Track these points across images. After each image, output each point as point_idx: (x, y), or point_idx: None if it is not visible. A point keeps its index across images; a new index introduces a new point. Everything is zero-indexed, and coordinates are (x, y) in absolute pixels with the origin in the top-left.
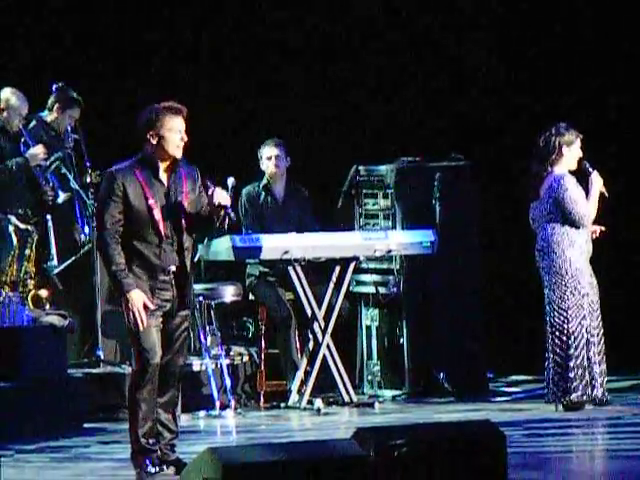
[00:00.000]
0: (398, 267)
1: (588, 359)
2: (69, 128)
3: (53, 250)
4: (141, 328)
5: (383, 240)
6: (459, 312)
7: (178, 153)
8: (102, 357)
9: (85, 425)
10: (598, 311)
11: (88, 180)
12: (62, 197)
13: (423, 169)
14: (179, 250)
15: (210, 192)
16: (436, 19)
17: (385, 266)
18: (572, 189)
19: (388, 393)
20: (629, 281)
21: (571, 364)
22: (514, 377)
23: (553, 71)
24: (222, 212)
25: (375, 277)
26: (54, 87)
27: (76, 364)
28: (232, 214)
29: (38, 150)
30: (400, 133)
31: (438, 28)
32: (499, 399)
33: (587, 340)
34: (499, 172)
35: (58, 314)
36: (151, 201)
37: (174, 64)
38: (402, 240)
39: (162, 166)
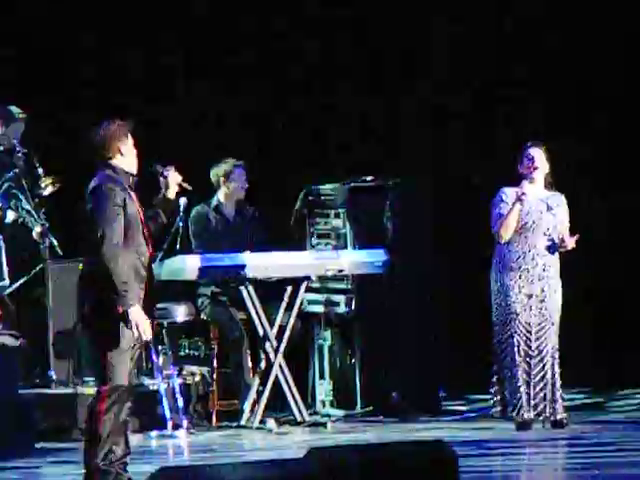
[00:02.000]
0: (350, 287)
1: (522, 378)
2: (15, 142)
3: (4, 270)
4: (148, 338)
5: (335, 260)
6: (411, 331)
7: (135, 168)
8: (54, 377)
9: (37, 445)
10: (541, 332)
11: (44, 192)
12: (10, 217)
13: (374, 188)
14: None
15: (167, 173)
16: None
17: (337, 286)
18: (496, 202)
19: (340, 412)
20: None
21: (494, 379)
22: (467, 396)
23: None
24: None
25: (327, 297)
26: None
27: (27, 385)
28: (189, 187)
29: None
30: (351, 153)
31: None
32: (451, 418)
33: (520, 359)
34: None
35: (9, 334)
36: (140, 212)
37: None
38: (354, 259)
39: (129, 176)
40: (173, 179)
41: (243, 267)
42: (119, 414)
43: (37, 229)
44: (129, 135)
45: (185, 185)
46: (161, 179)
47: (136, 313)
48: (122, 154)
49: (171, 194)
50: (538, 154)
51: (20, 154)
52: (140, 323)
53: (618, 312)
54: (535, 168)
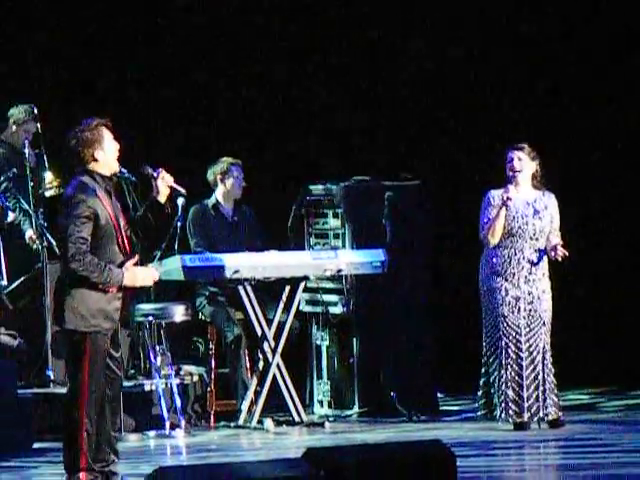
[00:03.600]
0: (348, 287)
1: (514, 379)
2: (26, 142)
3: (3, 269)
4: (155, 278)
5: (333, 260)
6: (409, 331)
7: (117, 165)
8: (52, 377)
9: (35, 445)
10: (531, 334)
11: (47, 193)
12: (10, 217)
13: (373, 188)
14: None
15: (157, 175)
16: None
17: (335, 286)
18: (484, 207)
19: (338, 413)
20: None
21: (480, 381)
22: (465, 396)
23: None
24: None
25: (325, 297)
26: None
27: (26, 384)
28: (182, 190)
29: None
30: (350, 152)
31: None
32: (450, 418)
33: (511, 361)
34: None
35: (8, 334)
36: (114, 221)
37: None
38: (352, 259)
39: (106, 181)
40: (164, 182)
41: (241, 267)
42: (100, 413)
43: (28, 233)
44: (106, 136)
45: (178, 187)
46: (151, 182)
47: (130, 277)
48: (96, 160)
49: (162, 197)
50: (517, 157)
51: (29, 155)
52: (140, 279)
53: (618, 311)
54: (515, 171)
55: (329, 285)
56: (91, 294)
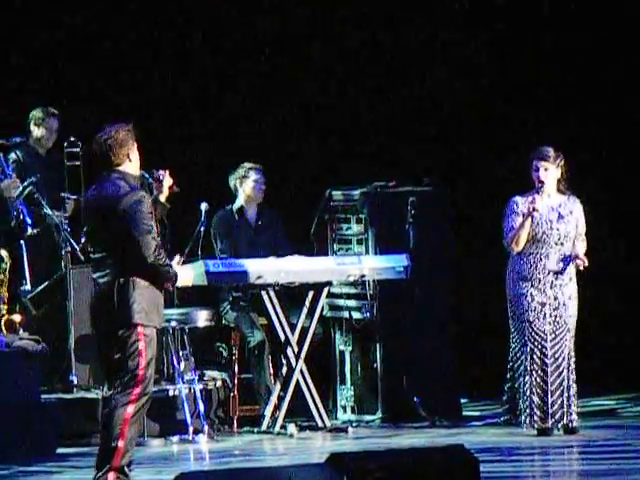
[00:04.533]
0: (371, 292)
1: (539, 385)
2: (50, 143)
3: (27, 275)
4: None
5: (356, 265)
6: (433, 337)
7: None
8: (75, 382)
9: (58, 451)
10: (557, 340)
11: (65, 214)
12: (29, 232)
13: (396, 194)
14: None
15: (162, 177)
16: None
17: (358, 291)
18: (508, 214)
19: (361, 418)
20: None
21: (505, 387)
22: (488, 401)
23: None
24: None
25: (348, 302)
26: None
27: (49, 389)
28: (176, 188)
29: (12, 182)
30: (373, 157)
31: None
32: (473, 424)
33: (536, 367)
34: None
35: (31, 339)
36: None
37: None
38: (375, 265)
39: (137, 181)
40: (167, 183)
41: (265, 272)
42: (140, 420)
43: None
44: (133, 139)
45: (175, 188)
46: (155, 183)
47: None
48: (130, 160)
49: (163, 198)
50: (544, 167)
51: (53, 155)
52: (184, 279)
53: (632, 316)
54: (541, 182)
55: (352, 290)
56: (149, 289)
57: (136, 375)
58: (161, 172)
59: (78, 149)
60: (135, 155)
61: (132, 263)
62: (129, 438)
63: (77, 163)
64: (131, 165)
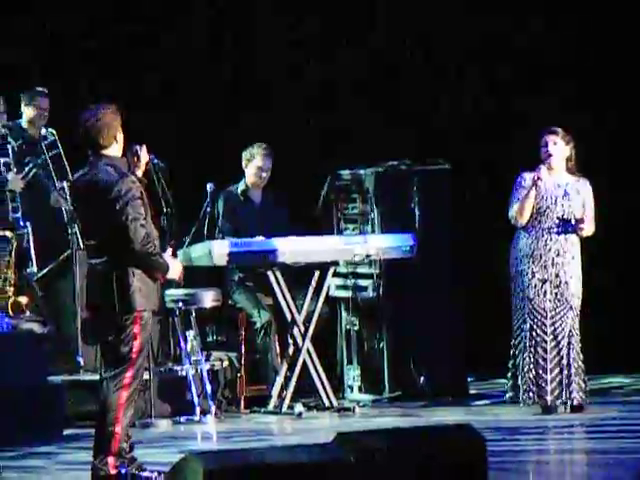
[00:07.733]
0: (377, 271)
1: (537, 362)
2: (42, 123)
3: (33, 257)
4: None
5: (362, 244)
6: (439, 316)
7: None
8: (82, 364)
9: (65, 432)
10: (557, 317)
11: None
12: (52, 199)
13: (402, 173)
14: None
15: (138, 151)
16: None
17: (364, 270)
18: (515, 187)
19: (368, 397)
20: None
21: (509, 364)
22: (494, 380)
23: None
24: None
25: (354, 281)
26: None
27: (55, 371)
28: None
29: (19, 178)
30: (378, 137)
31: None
32: (480, 402)
33: (534, 344)
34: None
35: (37, 321)
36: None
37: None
38: (381, 244)
39: (123, 163)
40: (144, 158)
41: (271, 252)
42: (133, 404)
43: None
44: (119, 120)
45: (161, 164)
46: (132, 158)
47: (171, 267)
48: (117, 141)
49: (140, 173)
50: (553, 141)
51: (45, 144)
52: (173, 272)
53: None
54: (549, 155)
55: (359, 270)
56: (146, 275)
57: (130, 358)
58: (137, 147)
59: (54, 138)
60: (121, 135)
61: (125, 251)
62: (125, 423)
63: (58, 151)
64: (117, 146)
